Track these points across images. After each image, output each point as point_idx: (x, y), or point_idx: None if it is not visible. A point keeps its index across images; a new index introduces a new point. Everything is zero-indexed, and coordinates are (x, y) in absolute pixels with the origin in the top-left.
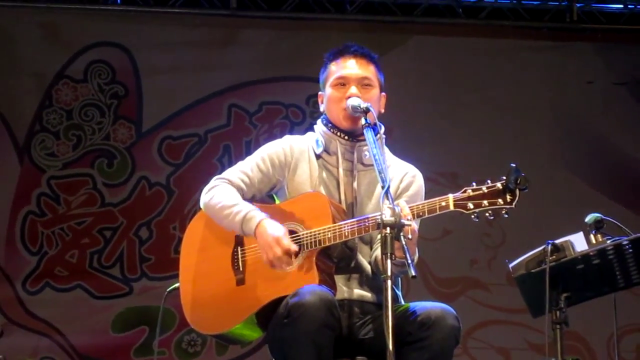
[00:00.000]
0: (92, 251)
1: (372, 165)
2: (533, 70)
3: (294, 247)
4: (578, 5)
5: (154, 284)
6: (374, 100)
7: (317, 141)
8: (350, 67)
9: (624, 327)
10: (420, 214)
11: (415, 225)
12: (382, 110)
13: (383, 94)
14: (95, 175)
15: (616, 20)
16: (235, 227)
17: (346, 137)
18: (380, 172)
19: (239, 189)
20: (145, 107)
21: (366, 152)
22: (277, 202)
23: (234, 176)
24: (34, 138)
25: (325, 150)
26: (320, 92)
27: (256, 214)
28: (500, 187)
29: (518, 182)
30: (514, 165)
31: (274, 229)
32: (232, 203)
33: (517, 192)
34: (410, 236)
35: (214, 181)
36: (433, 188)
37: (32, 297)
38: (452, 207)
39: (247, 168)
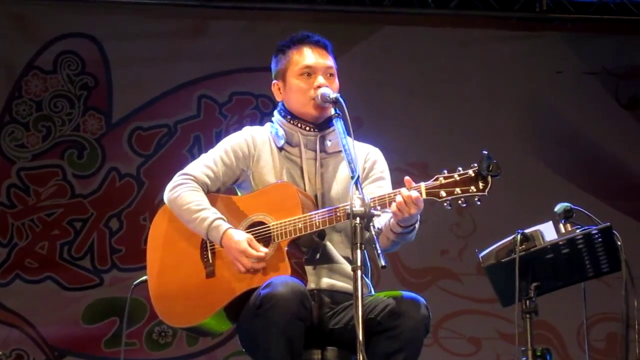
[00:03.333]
0: (62, 242)
1: (336, 152)
2: (503, 60)
3: (262, 253)
4: None
5: (124, 275)
6: (337, 90)
7: (277, 133)
8: (315, 56)
9: (594, 316)
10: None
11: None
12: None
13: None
14: (65, 166)
15: (585, 10)
16: (201, 232)
17: (309, 129)
18: (350, 162)
19: (204, 185)
20: (115, 98)
21: (329, 141)
22: (240, 194)
23: (197, 171)
24: (3, 129)
25: (287, 142)
26: (275, 81)
27: (221, 223)
28: (473, 174)
29: (490, 168)
30: (485, 152)
31: (239, 241)
32: (198, 207)
33: (490, 179)
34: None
35: (177, 178)
36: (403, 178)
37: (2, 288)
38: (424, 196)
39: (210, 162)
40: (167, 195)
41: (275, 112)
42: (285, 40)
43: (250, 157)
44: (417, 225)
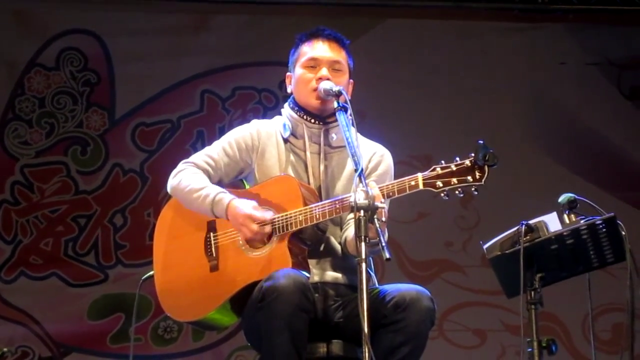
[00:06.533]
0: (67, 239)
1: (340, 147)
2: (505, 52)
3: (268, 217)
4: None
5: (129, 270)
6: (343, 85)
7: (284, 125)
8: (322, 49)
9: (599, 307)
10: (390, 194)
11: (385, 206)
12: (349, 97)
13: (351, 80)
14: (68, 162)
15: (587, 0)
16: (206, 210)
17: (313, 121)
18: (353, 155)
19: (205, 172)
20: (118, 94)
21: (334, 135)
22: (247, 187)
23: (199, 159)
24: (6, 126)
25: (293, 134)
26: (288, 73)
27: (224, 196)
28: (469, 164)
29: (486, 158)
30: (481, 141)
31: (244, 207)
32: (200, 186)
33: (486, 168)
34: (383, 219)
35: (180, 165)
36: (407, 171)
37: (7, 285)
38: (421, 186)
39: (213, 152)
40: (169, 182)
41: (286, 105)
42: (301, 33)
43: (254, 149)
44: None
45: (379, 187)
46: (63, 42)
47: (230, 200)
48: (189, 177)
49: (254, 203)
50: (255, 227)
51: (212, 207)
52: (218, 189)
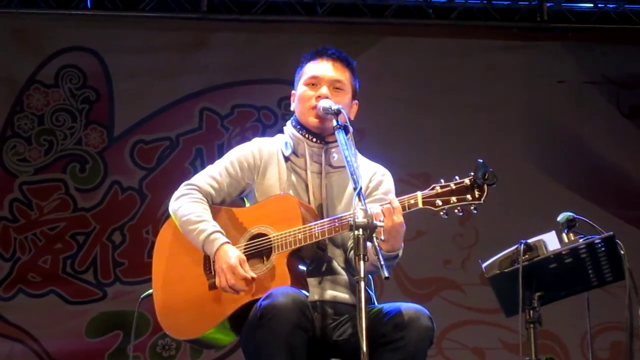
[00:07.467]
0: (65, 256)
1: (341, 167)
2: (504, 70)
3: (249, 276)
4: (548, 4)
5: (127, 288)
6: (343, 104)
7: (286, 143)
8: (325, 68)
9: (598, 326)
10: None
11: (402, 219)
12: (352, 118)
13: (355, 101)
14: (67, 180)
15: (586, 19)
16: (197, 244)
17: (314, 140)
18: (352, 174)
19: (208, 195)
20: (117, 112)
21: (334, 155)
22: (247, 204)
23: (202, 182)
24: (5, 143)
25: (294, 152)
26: (293, 91)
27: (218, 237)
28: (468, 183)
29: (486, 177)
30: (481, 160)
31: (231, 256)
32: (197, 219)
33: (485, 187)
34: (382, 237)
35: (182, 188)
36: (406, 189)
37: (5, 303)
38: (420, 205)
39: (215, 173)
40: (171, 205)
41: (288, 123)
42: (307, 52)
43: (256, 168)
44: (399, 254)
45: (381, 205)
46: (62, 59)
47: (222, 244)
48: (189, 205)
49: (243, 257)
50: (232, 279)
51: (203, 244)
52: (215, 227)
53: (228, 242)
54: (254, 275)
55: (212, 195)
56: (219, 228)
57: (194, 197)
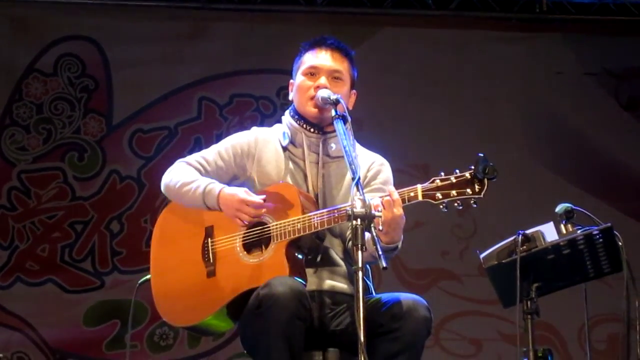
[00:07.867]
0: (63, 245)
1: (339, 157)
2: (503, 61)
3: (259, 199)
4: None
5: (125, 277)
6: (342, 94)
7: (283, 133)
8: (324, 58)
9: (595, 317)
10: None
11: (401, 211)
12: (351, 108)
13: (354, 91)
14: (65, 168)
15: (586, 10)
16: (198, 202)
17: (312, 130)
18: (350, 164)
19: (197, 170)
20: (116, 101)
21: (332, 145)
22: None
23: (192, 159)
24: (4, 132)
25: (292, 142)
26: (291, 80)
27: (215, 186)
28: (469, 177)
29: (486, 171)
30: (481, 154)
31: (235, 193)
32: (190, 179)
33: (486, 181)
34: (381, 227)
35: (172, 165)
36: (404, 180)
37: (3, 291)
38: (420, 198)
39: (208, 154)
40: (162, 181)
41: (286, 112)
42: (306, 42)
43: (250, 156)
44: (399, 246)
45: (381, 196)
46: (61, 48)
47: (221, 189)
48: (179, 173)
49: (244, 188)
50: (251, 210)
51: (203, 199)
52: (208, 180)
53: (225, 187)
54: (264, 197)
55: (200, 172)
56: (212, 180)
57: (184, 167)
